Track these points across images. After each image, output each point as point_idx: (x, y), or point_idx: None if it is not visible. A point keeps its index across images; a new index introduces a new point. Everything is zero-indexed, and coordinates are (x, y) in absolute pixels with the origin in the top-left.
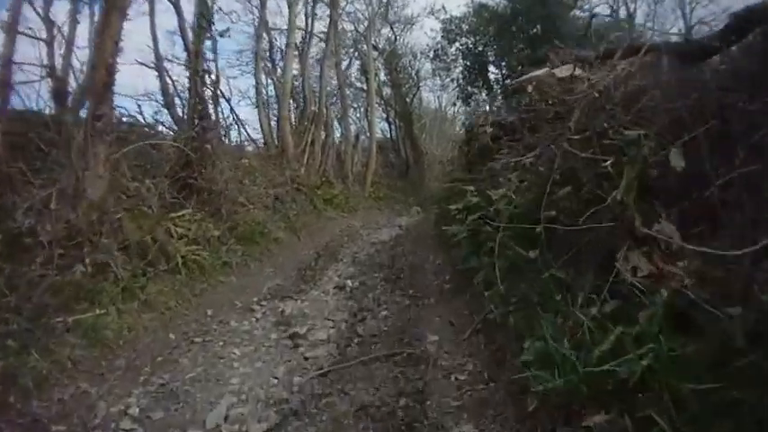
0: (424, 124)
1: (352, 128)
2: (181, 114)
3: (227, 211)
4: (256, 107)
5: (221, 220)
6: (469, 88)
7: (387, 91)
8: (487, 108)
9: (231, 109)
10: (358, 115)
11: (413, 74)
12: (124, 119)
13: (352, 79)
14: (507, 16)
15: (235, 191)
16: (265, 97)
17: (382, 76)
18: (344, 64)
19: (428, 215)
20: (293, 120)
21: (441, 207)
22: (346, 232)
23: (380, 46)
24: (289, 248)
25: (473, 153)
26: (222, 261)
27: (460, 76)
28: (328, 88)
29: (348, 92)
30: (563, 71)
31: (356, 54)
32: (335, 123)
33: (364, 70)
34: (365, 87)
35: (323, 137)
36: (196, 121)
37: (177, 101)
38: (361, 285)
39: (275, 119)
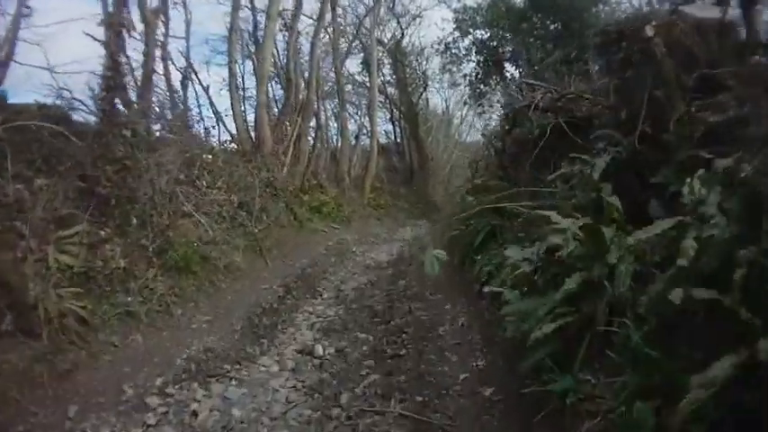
0: (431, 127)
1: (352, 126)
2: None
3: (153, 227)
4: (229, 91)
5: (146, 240)
6: (482, 87)
7: (391, 90)
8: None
9: (211, 102)
10: (359, 113)
11: (420, 73)
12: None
13: (354, 75)
14: (525, 9)
15: (174, 197)
16: (241, 81)
17: (387, 75)
18: (345, 56)
19: (436, 229)
20: (276, 110)
21: (461, 231)
22: (334, 250)
23: (386, 40)
24: (247, 279)
25: (517, 150)
26: (122, 311)
27: (473, 72)
28: (323, 73)
29: (349, 88)
30: (706, 9)
31: (358, 47)
32: (331, 120)
33: (367, 63)
34: (368, 83)
35: (313, 132)
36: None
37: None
38: (338, 356)
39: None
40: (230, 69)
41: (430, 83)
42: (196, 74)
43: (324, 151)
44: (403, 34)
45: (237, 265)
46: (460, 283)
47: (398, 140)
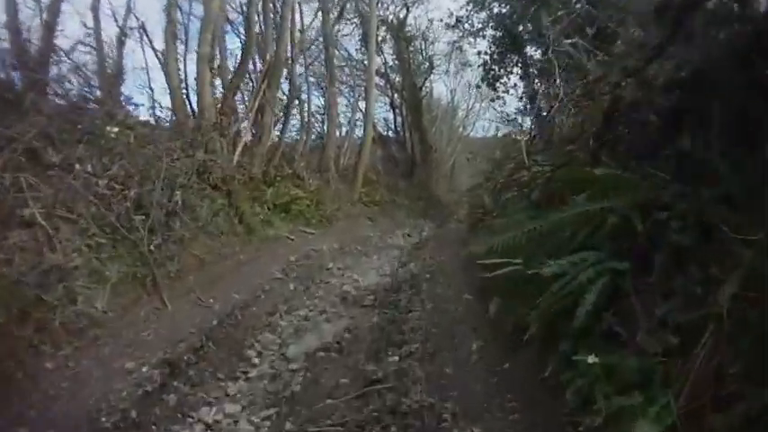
0: (435, 117)
1: (343, 107)
2: None
3: None
4: (165, 43)
5: None
6: (497, 68)
7: (393, 75)
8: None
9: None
10: (356, 96)
11: (425, 56)
12: None
13: (352, 55)
14: None
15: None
16: (184, 31)
17: (388, 57)
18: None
19: (444, 234)
20: (230, 70)
21: (514, 268)
22: (298, 270)
23: (389, 17)
24: (99, 346)
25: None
26: None
27: (487, 52)
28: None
29: (347, 72)
30: None
31: (357, 21)
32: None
33: (366, 36)
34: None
35: (283, 103)
36: None
37: None
38: None
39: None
40: (168, 14)
41: (435, 68)
42: (146, 32)
43: (305, 134)
44: (408, 11)
45: (95, 316)
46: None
47: (399, 129)
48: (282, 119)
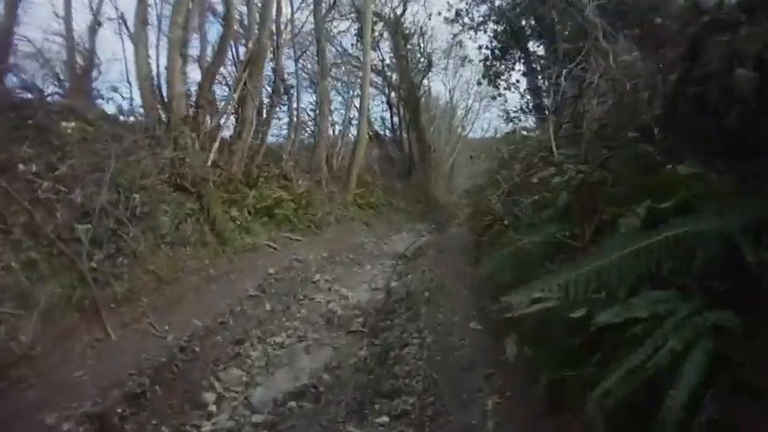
0: (433, 117)
1: (338, 104)
2: None
3: None
4: (135, 26)
5: None
6: (498, 65)
7: (390, 73)
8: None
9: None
10: (352, 94)
11: (424, 53)
12: None
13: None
14: None
15: None
16: (156, 15)
17: (385, 54)
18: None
19: (445, 241)
20: (207, 57)
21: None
22: (278, 286)
23: (387, 12)
24: (19, 391)
25: None
26: None
27: (489, 44)
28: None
29: (340, 64)
30: None
31: (353, 16)
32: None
33: (361, 30)
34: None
35: (265, 98)
36: None
37: None
38: None
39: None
40: None
41: (434, 66)
42: (125, 23)
43: (294, 132)
44: (405, 7)
45: (18, 352)
46: None
47: (396, 128)
48: (269, 114)
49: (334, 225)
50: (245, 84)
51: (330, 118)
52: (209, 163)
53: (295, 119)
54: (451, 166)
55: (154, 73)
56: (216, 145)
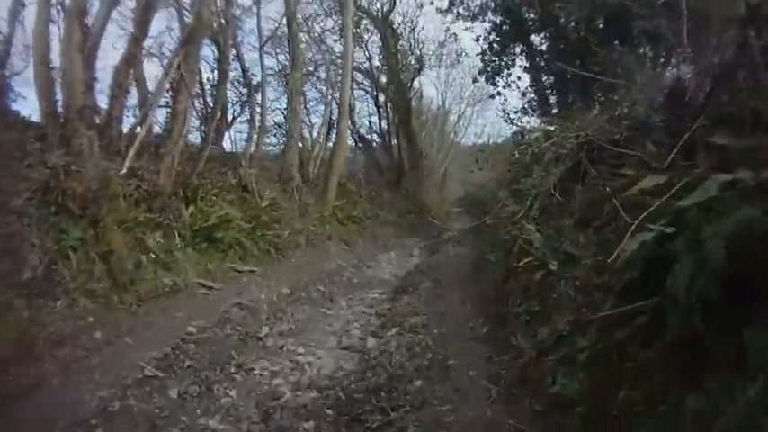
0: (425, 122)
1: (316, 101)
2: None
3: None
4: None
5: None
6: (498, 60)
7: (378, 73)
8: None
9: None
10: (332, 92)
11: (413, 48)
12: None
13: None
14: None
15: None
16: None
17: (373, 53)
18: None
19: (441, 266)
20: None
21: None
22: (190, 361)
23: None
24: None
25: None
26: None
27: (485, 37)
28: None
29: (322, 64)
30: None
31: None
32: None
33: (342, 18)
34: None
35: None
36: None
37: None
38: None
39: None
40: None
41: (425, 66)
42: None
43: (258, 134)
44: (394, 3)
45: None
46: None
47: (385, 132)
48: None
49: (304, 247)
50: (178, 68)
51: (307, 118)
52: (124, 171)
53: (258, 117)
54: (444, 174)
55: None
56: (134, 148)
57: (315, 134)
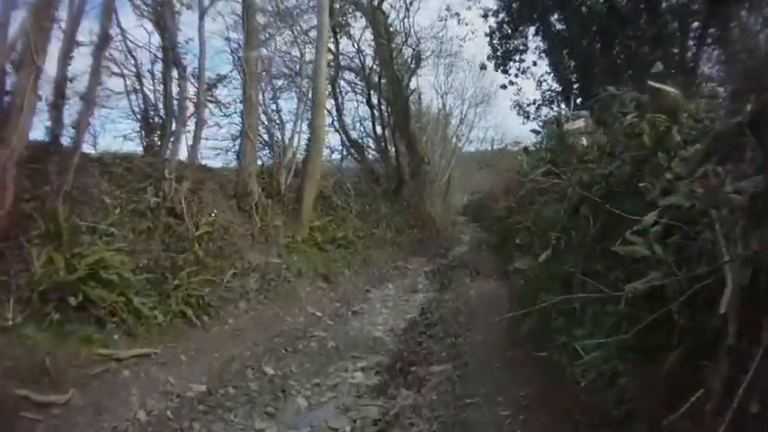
0: (425, 126)
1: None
2: None
3: None
4: None
5: None
6: (510, 43)
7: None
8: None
9: None
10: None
11: (410, 39)
12: None
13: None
14: None
15: None
16: None
17: (363, 43)
18: None
19: (467, 318)
20: None
21: None
22: None
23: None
24: None
25: None
26: None
27: (496, 11)
28: None
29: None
30: None
31: None
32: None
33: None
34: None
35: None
36: None
37: None
38: None
39: None
40: None
41: (423, 58)
42: None
43: (195, 131)
44: None
45: None
46: None
47: (380, 136)
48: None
49: (255, 294)
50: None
51: (278, 116)
52: None
53: (190, 106)
54: (447, 182)
55: None
56: None
57: (287, 135)
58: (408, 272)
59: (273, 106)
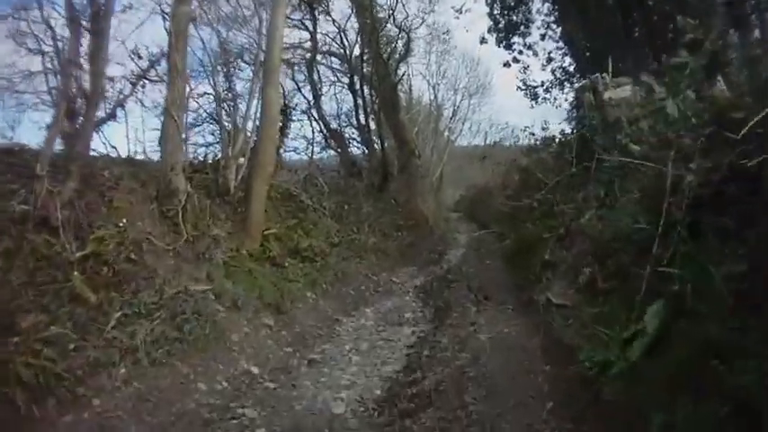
0: (415, 117)
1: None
2: None
3: None
4: None
5: None
6: (513, 14)
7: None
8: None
9: None
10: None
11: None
12: None
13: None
14: None
15: None
16: None
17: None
18: None
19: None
20: None
21: None
22: None
23: None
24: None
25: None
26: None
27: None
28: None
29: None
30: None
31: None
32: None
33: None
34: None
35: None
36: None
37: None
38: None
39: None
40: None
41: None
42: None
43: (81, 116)
44: None
45: None
46: None
47: (363, 125)
48: None
49: (149, 349)
50: None
51: (230, 95)
52: None
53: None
54: (440, 177)
55: None
56: None
57: (239, 118)
58: (394, 288)
59: (226, 84)
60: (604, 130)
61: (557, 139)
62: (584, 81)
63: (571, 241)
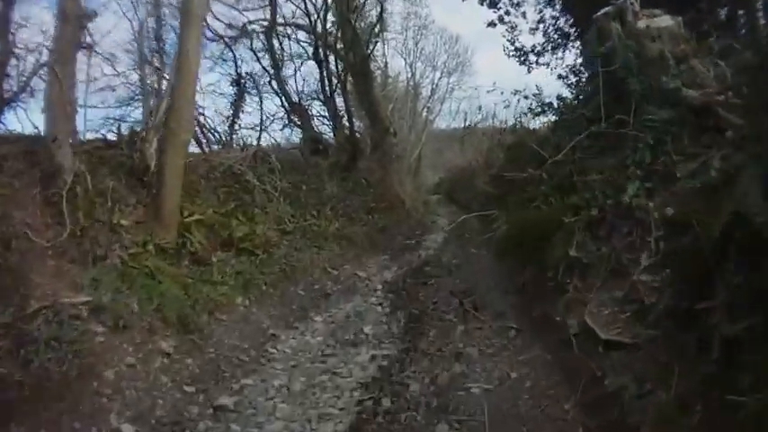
0: (390, 94)
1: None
2: None
3: None
4: None
5: None
6: None
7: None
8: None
9: None
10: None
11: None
12: None
13: None
14: None
15: None
16: None
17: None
18: None
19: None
20: None
21: None
22: None
23: None
24: None
25: None
26: None
27: None
28: None
29: None
30: None
31: None
32: None
33: None
34: None
35: None
36: None
37: None
38: None
39: None
40: None
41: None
42: None
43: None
44: None
45: None
46: None
47: (329, 98)
48: None
49: None
50: None
51: (158, 56)
52: None
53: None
54: (418, 158)
55: None
56: None
57: (165, 81)
58: (357, 285)
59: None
60: (641, 71)
61: (555, 104)
62: (606, 8)
63: (612, 227)
